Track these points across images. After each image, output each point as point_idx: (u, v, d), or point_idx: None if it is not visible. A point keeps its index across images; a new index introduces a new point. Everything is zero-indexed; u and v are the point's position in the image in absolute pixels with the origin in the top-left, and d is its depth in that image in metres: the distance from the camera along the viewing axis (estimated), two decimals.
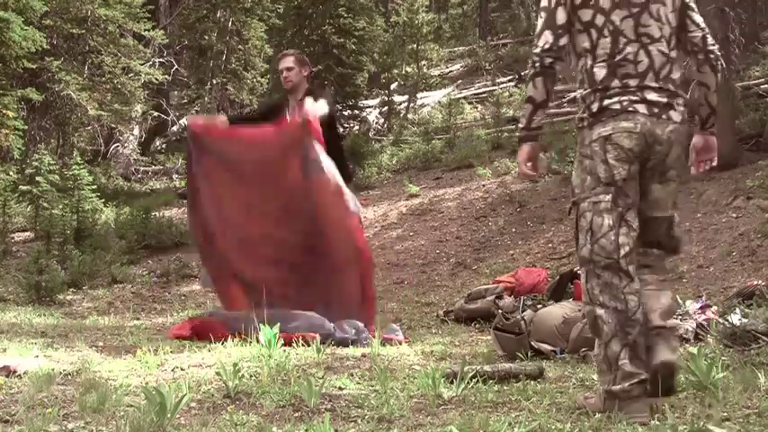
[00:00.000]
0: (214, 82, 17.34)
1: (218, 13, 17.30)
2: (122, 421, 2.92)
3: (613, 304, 3.03)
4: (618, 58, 3.07)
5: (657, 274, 3.19)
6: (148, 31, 14.20)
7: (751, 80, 13.80)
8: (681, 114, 3.13)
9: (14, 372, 3.86)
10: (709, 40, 3.21)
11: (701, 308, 5.22)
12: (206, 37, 17.18)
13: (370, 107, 18.31)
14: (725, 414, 3.05)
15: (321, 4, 15.75)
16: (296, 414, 3.20)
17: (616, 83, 3.08)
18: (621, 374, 3.01)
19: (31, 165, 10.97)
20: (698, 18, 3.21)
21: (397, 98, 19.16)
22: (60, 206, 9.48)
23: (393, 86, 19.14)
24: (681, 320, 5.02)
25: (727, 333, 4.35)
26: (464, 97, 20.23)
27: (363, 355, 4.64)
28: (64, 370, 4.03)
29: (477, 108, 19.01)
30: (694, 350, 3.62)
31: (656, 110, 3.07)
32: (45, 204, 10.07)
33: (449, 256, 8.85)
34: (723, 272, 6.82)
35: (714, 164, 3.36)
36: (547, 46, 3.10)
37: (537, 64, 3.11)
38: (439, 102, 19.21)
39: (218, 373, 3.65)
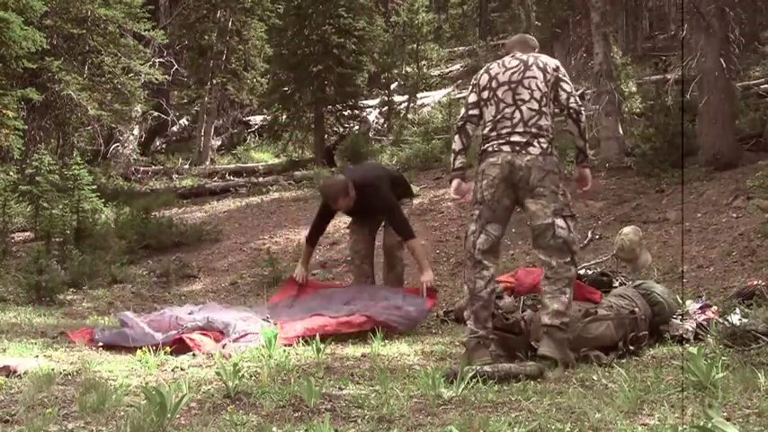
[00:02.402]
0: (214, 82, 17.34)
1: (218, 13, 17.29)
2: (122, 421, 2.92)
3: (469, 284, 4.48)
4: (498, 117, 4.52)
5: (555, 284, 4.37)
6: (148, 31, 14.18)
7: (751, 80, 13.80)
8: (539, 148, 4.41)
9: (14, 372, 3.86)
10: (571, 100, 4.52)
11: (700, 308, 5.22)
12: (206, 37, 17.17)
13: (370, 107, 18.29)
14: (725, 414, 3.05)
15: (321, 4, 15.74)
16: (296, 414, 3.20)
17: (494, 134, 4.52)
18: (467, 331, 4.45)
19: (31, 165, 10.96)
20: (566, 86, 4.54)
21: (397, 98, 19.14)
22: (60, 206, 9.47)
23: (393, 86, 19.12)
24: (681, 320, 5.02)
25: (727, 333, 4.35)
26: (464, 97, 20.20)
27: (363, 356, 4.64)
28: (64, 370, 4.04)
29: None
30: (694, 350, 3.62)
31: (517, 147, 4.42)
32: (45, 204, 10.06)
33: (449, 256, 8.84)
34: (723, 272, 6.81)
35: (586, 189, 4.79)
36: (461, 115, 4.71)
37: (455, 126, 4.76)
38: (439, 102, 19.20)
39: (218, 373, 3.65)
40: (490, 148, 4.51)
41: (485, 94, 4.62)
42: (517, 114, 4.49)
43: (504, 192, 4.44)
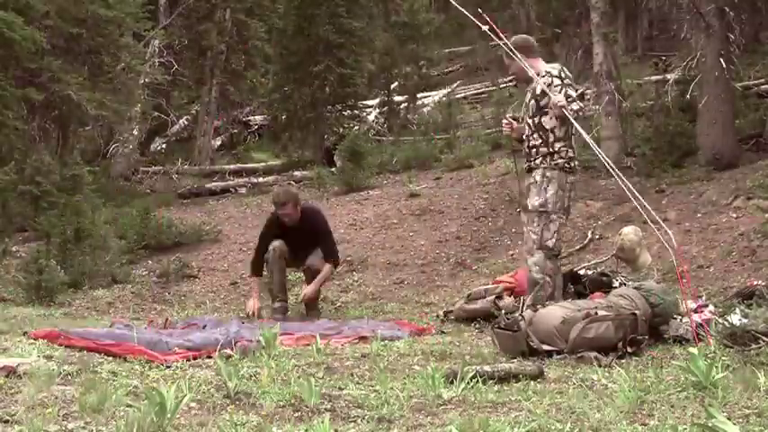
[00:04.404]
0: (214, 82, 17.33)
1: (218, 13, 17.28)
2: (122, 421, 2.92)
3: (555, 277, 5.33)
4: (570, 139, 5.44)
5: None
6: (148, 31, 14.16)
7: (751, 80, 13.76)
8: None
9: (14, 372, 3.86)
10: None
11: (697, 307, 5.21)
12: (206, 37, 17.16)
13: (370, 107, 18.28)
14: (725, 414, 3.05)
15: (321, 4, 15.72)
16: (296, 414, 3.20)
17: (573, 153, 5.50)
18: None
19: (31, 165, 10.95)
20: None
21: (397, 98, 19.13)
22: (60, 206, 9.46)
23: (393, 86, 19.11)
24: (681, 320, 5.02)
25: (727, 333, 4.35)
26: (464, 97, 20.19)
27: (363, 356, 4.64)
28: (64, 370, 4.03)
29: (477, 108, 18.98)
30: (694, 350, 3.62)
31: None
32: (45, 204, 10.05)
33: (449, 256, 8.84)
34: (723, 272, 6.81)
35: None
36: (581, 105, 5.46)
37: (579, 112, 5.37)
38: (439, 102, 19.18)
39: (218, 373, 3.65)
40: (576, 168, 5.51)
41: None
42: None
43: None
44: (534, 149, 5.39)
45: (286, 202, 6.89)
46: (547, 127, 5.35)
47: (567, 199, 5.31)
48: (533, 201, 5.33)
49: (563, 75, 5.36)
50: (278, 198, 7.03)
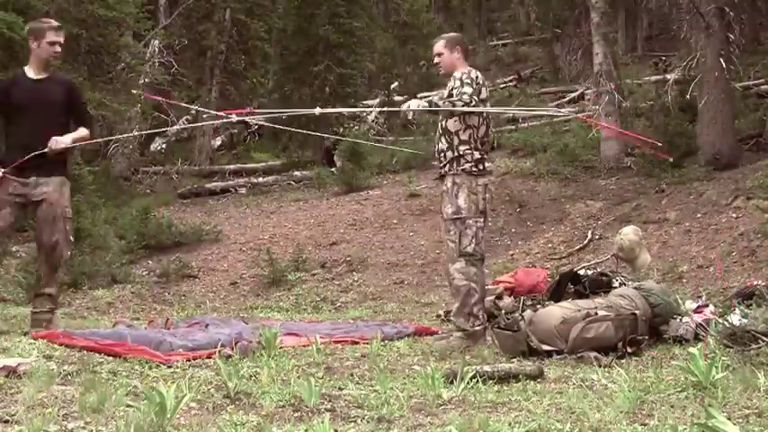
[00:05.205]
0: (214, 82, 17.33)
1: (218, 13, 17.28)
2: (122, 421, 2.92)
3: (480, 281, 5.13)
4: (485, 138, 5.27)
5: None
6: (148, 31, 14.16)
7: (751, 80, 13.79)
8: None
9: (14, 372, 3.86)
10: None
11: (697, 307, 5.22)
12: (206, 37, 17.16)
13: (369, 107, 18.29)
14: (725, 414, 3.05)
15: (322, 4, 15.74)
16: (296, 414, 3.20)
17: (485, 154, 5.22)
18: (477, 323, 5.03)
19: None
20: None
21: (397, 98, 19.13)
22: None
23: (393, 86, 19.11)
24: (681, 321, 5.02)
25: (727, 333, 4.35)
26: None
27: (363, 356, 4.64)
28: (64, 370, 4.03)
29: None
30: (694, 350, 3.62)
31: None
32: None
33: None
34: (723, 272, 6.81)
35: None
36: (474, 101, 5.14)
37: (466, 103, 5.12)
38: None
39: (217, 374, 3.65)
40: (487, 169, 5.22)
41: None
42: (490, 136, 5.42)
43: None
44: (442, 154, 5.22)
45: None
46: (452, 130, 5.20)
47: (483, 201, 5.13)
48: (446, 209, 5.18)
49: (466, 79, 5.21)
50: None
